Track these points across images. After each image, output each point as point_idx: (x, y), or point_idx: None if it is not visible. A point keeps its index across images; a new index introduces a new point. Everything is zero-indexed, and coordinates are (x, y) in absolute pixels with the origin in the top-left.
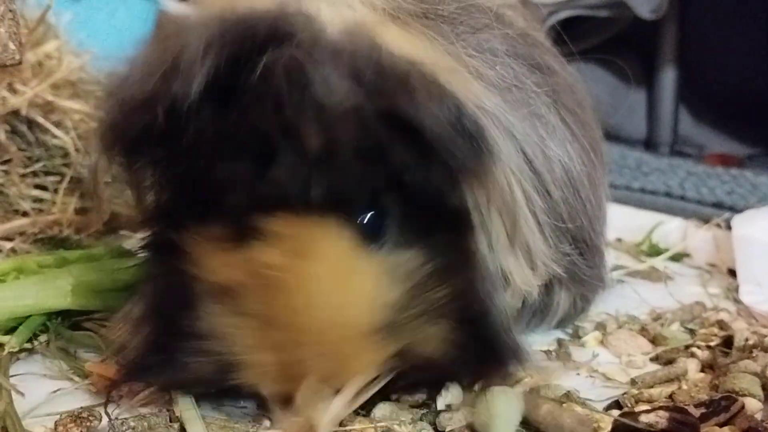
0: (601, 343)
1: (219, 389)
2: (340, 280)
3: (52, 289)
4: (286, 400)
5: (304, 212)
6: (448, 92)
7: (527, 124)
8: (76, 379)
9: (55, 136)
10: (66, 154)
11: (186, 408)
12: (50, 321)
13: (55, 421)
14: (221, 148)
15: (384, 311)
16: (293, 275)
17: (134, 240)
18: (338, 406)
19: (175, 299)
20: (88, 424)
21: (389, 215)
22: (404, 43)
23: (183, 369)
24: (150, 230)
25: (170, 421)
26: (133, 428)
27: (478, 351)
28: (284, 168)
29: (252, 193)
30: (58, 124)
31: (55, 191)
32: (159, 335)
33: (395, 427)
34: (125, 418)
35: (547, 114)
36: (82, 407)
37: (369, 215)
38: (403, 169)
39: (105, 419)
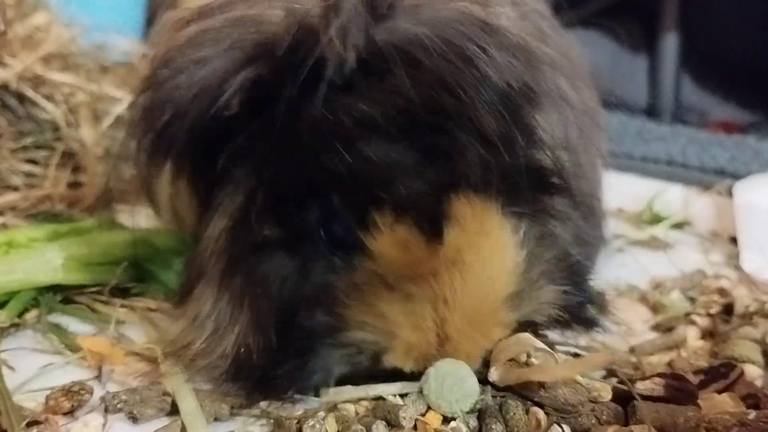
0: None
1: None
2: (505, 256)
3: (43, 263)
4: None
5: (482, 194)
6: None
7: None
8: (67, 353)
9: (45, 110)
10: (57, 128)
11: (177, 381)
12: (41, 295)
13: (47, 396)
14: (369, 136)
15: (515, 279)
16: (477, 256)
17: (128, 214)
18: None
19: (307, 296)
20: (79, 397)
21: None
22: None
23: (329, 365)
24: (249, 227)
25: (162, 395)
26: (125, 401)
27: (588, 305)
28: (468, 153)
29: (435, 179)
30: (48, 98)
31: (47, 166)
32: (292, 337)
33: (389, 397)
34: (117, 392)
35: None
36: (73, 381)
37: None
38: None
39: (96, 393)
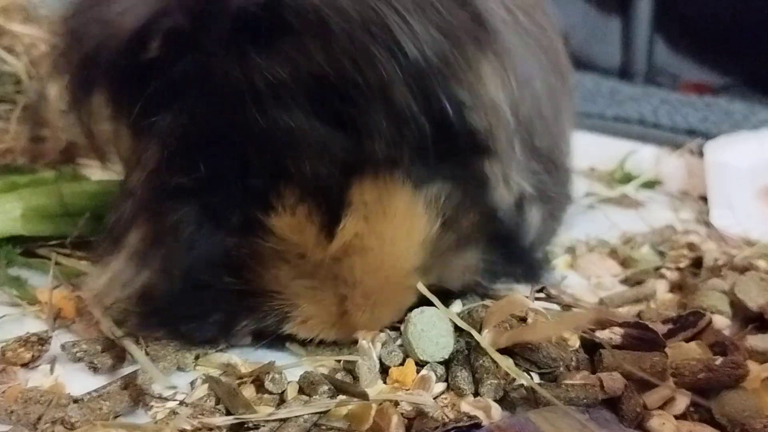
0: (571, 266)
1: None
2: (409, 235)
3: (2, 215)
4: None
5: (389, 174)
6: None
7: None
8: (26, 305)
9: (6, 63)
10: (18, 81)
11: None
12: (1, 247)
13: (2, 347)
14: (281, 100)
15: (425, 250)
16: (378, 240)
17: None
18: None
19: (216, 252)
20: (39, 347)
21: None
22: None
23: (230, 322)
24: (162, 175)
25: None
26: (86, 351)
27: (513, 266)
28: (377, 130)
29: (340, 158)
30: (9, 50)
31: (8, 120)
32: (197, 289)
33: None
34: (78, 341)
35: (506, 32)
36: (29, 333)
37: None
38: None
39: (54, 344)
